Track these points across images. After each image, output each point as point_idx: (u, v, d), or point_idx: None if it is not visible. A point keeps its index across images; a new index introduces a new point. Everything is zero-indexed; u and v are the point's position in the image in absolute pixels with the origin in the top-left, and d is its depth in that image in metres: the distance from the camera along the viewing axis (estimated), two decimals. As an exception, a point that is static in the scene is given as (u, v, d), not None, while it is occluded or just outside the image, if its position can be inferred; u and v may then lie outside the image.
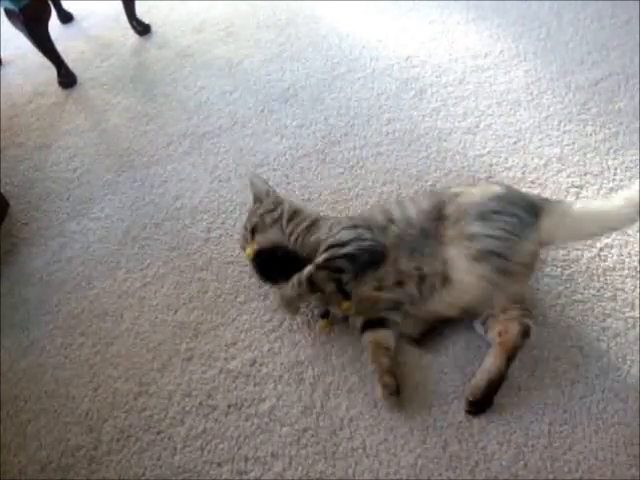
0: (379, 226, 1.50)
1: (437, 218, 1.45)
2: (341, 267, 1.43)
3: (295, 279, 1.44)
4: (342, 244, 1.45)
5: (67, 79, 2.75)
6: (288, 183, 2.02)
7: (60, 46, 2.71)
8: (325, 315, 1.55)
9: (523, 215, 1.38)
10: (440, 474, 1.28)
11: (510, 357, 1.34)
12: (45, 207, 2.16)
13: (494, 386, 1.33)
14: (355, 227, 1.50)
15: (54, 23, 3.06)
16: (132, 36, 3.03)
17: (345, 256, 1.43)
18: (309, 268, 1.43)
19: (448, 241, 1.40)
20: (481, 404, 1.34)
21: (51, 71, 2.75)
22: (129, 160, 2.29)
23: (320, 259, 1.44)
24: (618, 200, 1.35)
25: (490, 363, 1.34)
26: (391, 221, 1.50)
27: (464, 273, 1.36)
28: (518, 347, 1.35)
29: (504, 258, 1.33)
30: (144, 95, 2.62)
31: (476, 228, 1.37)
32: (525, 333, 1.35)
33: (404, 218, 1.50)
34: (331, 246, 1.46)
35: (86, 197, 2.17)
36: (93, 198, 2.16)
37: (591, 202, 1.54)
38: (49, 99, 2.71)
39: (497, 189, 1.48)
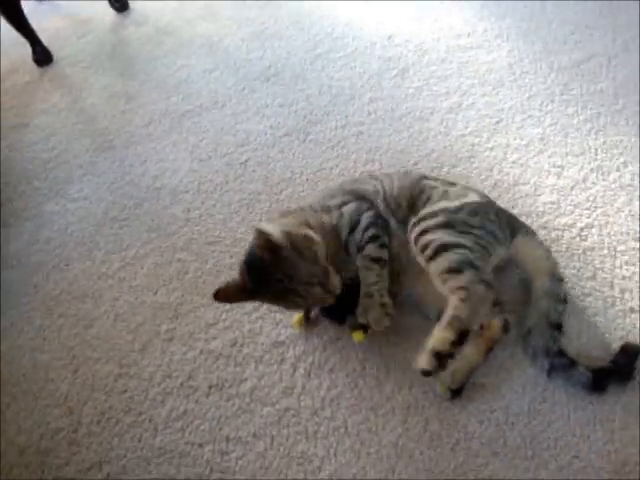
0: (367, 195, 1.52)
1: (407, 205, 1.48)
2: (374, 235, 1.42)
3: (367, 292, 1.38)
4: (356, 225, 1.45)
5: (42, 56, 2.70)
6: (269, 163, 2.00)
7: (35, 22, 2.66)
8: (362, 327, 1.44)
9: (498, 232, 1.42)
10: (421, 452, 1.29)
11: (491, 349, 1.36)
12: (22, 188, 2.13)
13: (472, 374, 1.36)
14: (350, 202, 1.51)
15: (29, -1, 2.99)
16: (110, 13, 2.97)
17: (367, 228, 1.43)
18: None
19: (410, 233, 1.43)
20: (460, 390, 1.36)
21: (26, 48, 2.69)
22: (108, 140, 2.25)
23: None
24: None
25: (471, 353, 1.35)
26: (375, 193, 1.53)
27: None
28: (499, 341, 1.37)
29: (476, 269, 1.33)
30: (123, 73, 2.57)
31: (447, 238, 1.37)
32: (506, 328, 1.37)
33: (382, 191, 1.53)
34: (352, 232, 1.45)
35: (64, 177, 2.14)
36: (71, 178, 2.13)
37: None
38: (24, 77, 2.65)
39: (475, 198, 1.49)
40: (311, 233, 1.36)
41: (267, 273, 1.29)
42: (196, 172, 2.04)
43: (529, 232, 1.51)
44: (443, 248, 1.34)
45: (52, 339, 1.65)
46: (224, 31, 2.68)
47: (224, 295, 1.32)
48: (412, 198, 1.50)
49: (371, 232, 1.42)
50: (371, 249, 1.41)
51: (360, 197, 1.53)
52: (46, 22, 2.93)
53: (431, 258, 1.34)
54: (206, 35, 2.68)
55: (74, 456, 1.41)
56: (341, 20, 2.59)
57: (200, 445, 1.38)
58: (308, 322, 1.52)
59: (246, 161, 2.03)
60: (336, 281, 1.34)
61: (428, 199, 1.48)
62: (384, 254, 1.42)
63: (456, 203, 1.46)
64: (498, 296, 1.40)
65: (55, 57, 2.73)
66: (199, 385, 1.48)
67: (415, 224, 1.42)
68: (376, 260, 1.40)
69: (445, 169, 1.85)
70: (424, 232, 1.38)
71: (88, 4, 3.06)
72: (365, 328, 1.42)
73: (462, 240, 1.36)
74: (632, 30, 2.22)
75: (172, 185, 2.01)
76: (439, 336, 1.27)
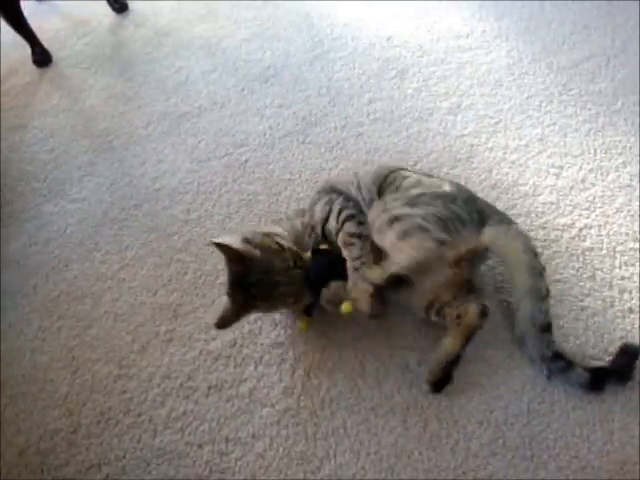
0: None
1: (377, 193, 1.51)
2: (349, 214, 1.45)
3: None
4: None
5: (42, 58, 2.69)
6: (268, 164, 2.00)
7: (34, 23, 2.65)
8: (308, 312, 1.49)
9: (463, 215, 1.41)
10: (420, 453, 1.29)
11: (469, 338, 1.35)
12: (21, 189, 2.13)
13: (453, 365, 1.35)
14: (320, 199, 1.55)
15: None
16: (109, 14, 2.97)
17: (341, 211, 1.46)
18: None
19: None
20: (442, 382, 1.36)
21: (25, 49, 2.69)
22: (107, 141, 2.25)
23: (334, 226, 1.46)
24: None
25: (450, 345, 1.35)
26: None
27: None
28: (478, 327, 1.35)
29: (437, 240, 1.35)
30: (122, 75, 2.57)
31: (399, 210, 1.40)
32: (483, 313, 1.35)
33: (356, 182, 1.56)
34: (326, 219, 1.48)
35: (63, 178, 2.14)
36: (70, 179, 2.13)
37: None
38: (23, 78, 2.65)
39: (447, 187, 1.49)
40: (267, 228, 1.46)
41: (247, 282, 1.33)
42: (195, 173, 2.04)
43: (503, 221, 1.45)
44: (395, 219, 1.37)
45: (51, 340, 1.65)
46: (223, 32, 2.68)
47: (224, 322, 1.36)
48: (382, 187, 1.51)
49: (345, 213, 1.45)
50: (348, 226, 1.43)
51: (331, 191, 1.56)
52: (45, 23, 2.93)
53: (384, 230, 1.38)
54: (205, 36, 2.68)
55: (73, 457, 1.41)
56: (340, 21, 2.59)
57: (199, 446, 1.38)
58: (311, 315, 1.50)
59: (245, 162, 2.03)
60: (307, 256, 1.40)
61: (397, 188, 1.50)
62: (363, 230, 1.43)
63: (422, 190, 1.46)
64: (474, 282, 1.42)
65: (54, 58, 2.72)
66: (198, 386, 1.48)
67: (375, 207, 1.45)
68: (357, 235, 1.41)
69: (444, 169, 1.85)
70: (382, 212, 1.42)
71: (87, 5, 3.06)
72: (309, 312, 1.47)
73: (416, 211, 1.38)
74: (630, 31, 2.22)
75: (171, 186, 2.01)
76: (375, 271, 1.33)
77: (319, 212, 1.51)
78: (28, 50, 2.69)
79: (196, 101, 2.34)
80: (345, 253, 1.39)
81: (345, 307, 1.38)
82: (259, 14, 2.73)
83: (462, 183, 1.78)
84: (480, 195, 1.72)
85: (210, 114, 2.27)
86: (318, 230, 1.49)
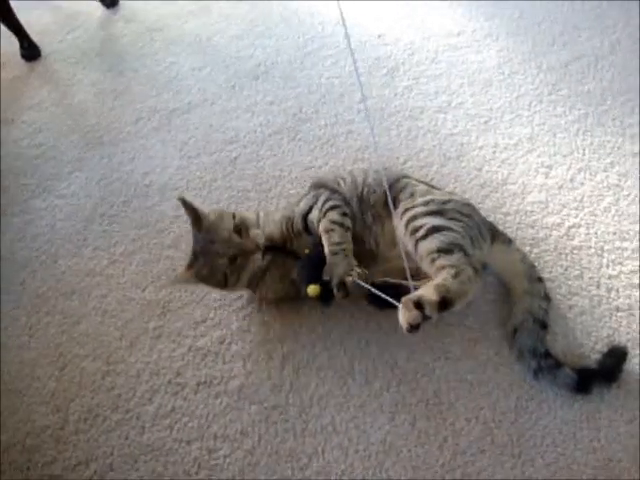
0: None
1: (383, 199, 1.47)
2: (333, 205, 1.46)
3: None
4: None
5: (30, 52, 2.67)
6: (258, 160, 2.00)
7: (22, 17, 2.63)
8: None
9: (483, 230, 1.44)
10: (409, 450, 1.30)
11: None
12: (8, 184, 2.11)
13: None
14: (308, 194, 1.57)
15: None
16: (99, 8, 2.95)
17: (325, 202, 1.47)
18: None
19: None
20: (379, 299, 1.29)
21: (13, 43, 2.67)
22: (96, 136, 2.24)
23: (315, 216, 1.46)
24: None
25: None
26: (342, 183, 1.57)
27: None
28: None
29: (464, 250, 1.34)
30: (111, 70, 2.56)
31: (438, 221, 1.38)
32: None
33: (349, 179, 1.57)
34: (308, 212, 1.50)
35: (52, 174, 2.12)
36: (59, 175, 2.11)
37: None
38: (11, 72, 2.63)
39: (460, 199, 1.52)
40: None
41: (198, 239, 1.43)
42: (185, 169, 2.03)
43: (506, 240, 1.52)
44: (435, 230, 1.35)
45: (39, 336, 1.64)
46: (214, 28, 2.67)
47: (174, 280, 1.53)
48: (394, 192, 1.49)
49: (329, 204, 1.46)
50: (331, 214, 1.43)
51: (319, 187, 1.57)
52: (34, 17, 2.90)
53: (422, 238, 1.35)
54: (196, 32, 2.67)
55: (61, 454, 1.40)
56: (331, 18, 2.59)
57: (188, 442, 1.38)
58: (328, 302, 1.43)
59: (235, 159, 2.03)
60: (255, 233, 1.45)
61: (412, 194, 1.49)
62: (346, 221, 1.44)
63: (446, 197, 1.48)
64: None
65: (43, 52, 2.70)
66: (187, 382, 1.48)
67: (405, 211, 1.43)
68: (339, 224, 1.41)
69: (434, 168, 1.85)
70: (414, 217, 1.39)
71: (77, -1, 3.04)
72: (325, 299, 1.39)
73: (453, 225, 1.37)
74: (619, 32, 2.24)
75: (161, 182, 2.00)
76: (427, 292, 1.21)
77: (302, 204, 1.52)
78: (16, 44, 2.66)
79: (186, 97, 2.33)
80: (324, 239, 1.39)
81: (311, 290, 1.35)
82: (250, 11, 2.73)
83: (452, 181, 1.80)
84: (470, 194, 1.74)
85: (200, 110, 2.26)
86: (298, 222, 1.48)
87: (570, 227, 1.65)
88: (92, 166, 2.12)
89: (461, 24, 2.43)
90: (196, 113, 2.25)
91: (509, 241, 1.52)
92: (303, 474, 1.29)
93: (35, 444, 1.43)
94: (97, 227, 1.90)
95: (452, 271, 1.27)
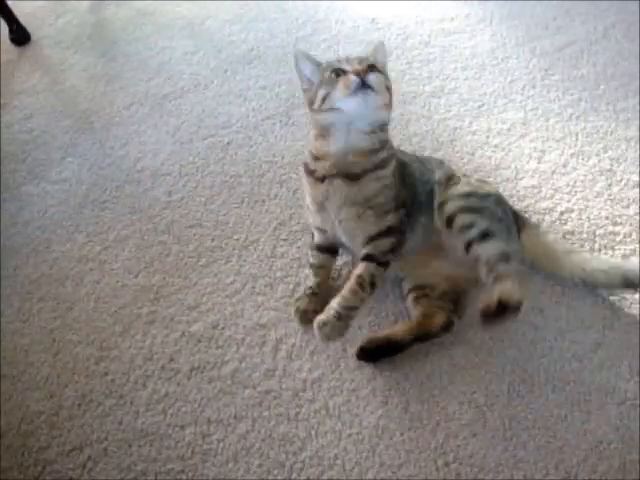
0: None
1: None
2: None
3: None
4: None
5: (20, 36, 2.64)
6: (251, 145, 1.99)
7: (11, 0, 2.59)
8: None
9: (512, 228, 1.43)
10: (402, 434, 1.30)
11: (419, 339, 1.37)
12: None
13: (388, 349, 1.38)
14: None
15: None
16: (89, -8, 2.92)
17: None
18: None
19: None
20: (370, 355, 1.39)
21: (2, 27, 2.64)
22: (88, 122, 2.22)
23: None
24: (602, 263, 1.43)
25: (400, 331, 1.38)
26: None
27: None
28: (434, 337, 1.38)
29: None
30: (103, 55, 2.53)
31: (488, 224, 1.35)
32: (447, 328, 1.38)
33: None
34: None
35: (43, 159, 2.10)
36: (51, 160, 2.10)
37: (578, 252, 1.51)
38: (1, 57, 2.60)
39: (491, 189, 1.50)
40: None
41: None
42: (177, 154, 2.02)
43: (533, 225, 1.53)
44: (490, 234, 1.32)
45: (32, 322, 1.64)
46: (206, 12, 2.65)
47: None
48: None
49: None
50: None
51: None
52: (23, 1, 2.87)
53: (477, 242, 1.32)
54: (188, 17, 2.65)
55: (54, 439, 1.40)
56: (324, 3, 2.57)
57: (182, 427, 1.38)
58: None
59: (228, 144, 2.02)
60: None
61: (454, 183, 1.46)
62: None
63: (487, 188, 1.46)
64: (465, 294, 1.45)
65: (33, 37, 2.67)
66: (180, 368, 1.48)
67: (445, 202, 1.40)
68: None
69: (427, 152, 1.85)
70: (463, 210, 1.37)
71: (67, -17, 3.01)
72: None
73: (499, 231, 1.35)
74: (613, 16, 2.24)
75: (153, 167, 1.99)
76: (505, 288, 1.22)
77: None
78: (5, 28, 2.63)
79: (178, 82, 2.32)
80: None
81: None
82: (243, -6, 2.71)
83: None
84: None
85: (193, 95, 2.25)
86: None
87: (563, 212, 1.65)
88: (84, 152, 2.10)
89: (455, 8, 2.42)
90: (188, 98, 2.24)
91: (536, 226, 1.54)
92: (296, 458, 1.30)
93: (29, 429, 1.43)
94: (89, 213, 1.89)
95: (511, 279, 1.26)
